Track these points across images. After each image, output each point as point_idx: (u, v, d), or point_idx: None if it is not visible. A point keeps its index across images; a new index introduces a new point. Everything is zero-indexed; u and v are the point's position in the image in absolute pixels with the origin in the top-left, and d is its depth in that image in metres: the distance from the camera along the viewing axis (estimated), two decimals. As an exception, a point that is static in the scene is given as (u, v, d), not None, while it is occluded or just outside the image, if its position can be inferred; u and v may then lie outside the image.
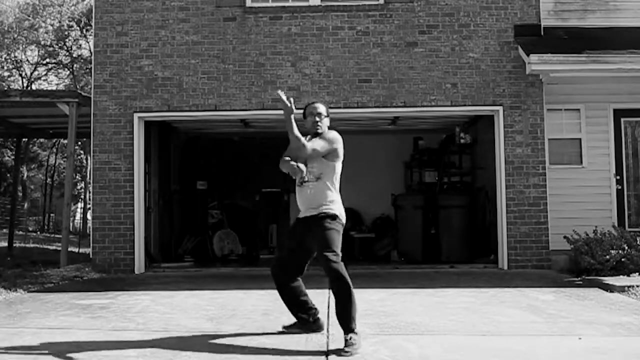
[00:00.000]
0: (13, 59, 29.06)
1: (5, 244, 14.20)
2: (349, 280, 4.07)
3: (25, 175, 29.44)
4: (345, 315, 4.09)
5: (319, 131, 4.48)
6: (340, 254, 4.20)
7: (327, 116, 4.57)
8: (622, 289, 6.49)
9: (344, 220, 4.39)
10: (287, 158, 4.36)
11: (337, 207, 4.38)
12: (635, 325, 4.87)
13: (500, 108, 8.96)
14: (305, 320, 4.51)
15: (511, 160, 8.89)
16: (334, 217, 4.32)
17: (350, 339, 4.01)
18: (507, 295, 6.37)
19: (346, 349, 3.94)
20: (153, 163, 10.24)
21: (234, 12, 9.18)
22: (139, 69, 9.14)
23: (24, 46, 28.51)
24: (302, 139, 4.27)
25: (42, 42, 28.06)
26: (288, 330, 4.56)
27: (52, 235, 23.40)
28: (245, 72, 9.09)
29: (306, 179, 4.41)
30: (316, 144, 4.36)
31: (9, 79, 29.44)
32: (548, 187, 8.86)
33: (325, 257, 4.12)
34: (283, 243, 4.58)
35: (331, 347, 4.18)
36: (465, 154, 11.32)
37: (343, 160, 4.52)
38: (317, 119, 4.48)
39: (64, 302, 6.19)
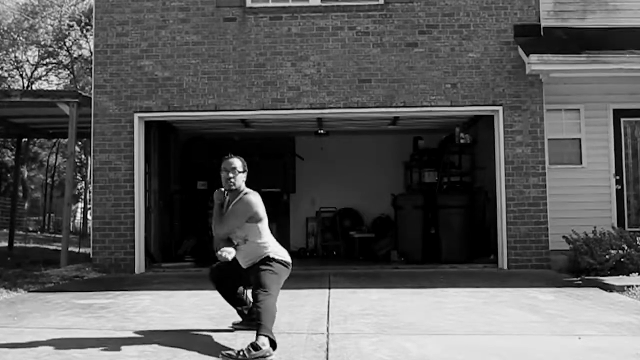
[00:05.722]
0: (13, 60, 29.05)
1: (6, 244, 14.22)
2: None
3: (26, 175, 29.45)
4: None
5: (233, 188, 4.47)
6: (273, 290, 4.26)
7: (244, 171, 4.54)
8: (621, 289, 6.50)
9: (280, 258, 4.48)
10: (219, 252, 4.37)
11: (275, 254, 4.48)
12: (635, 325, 4.88)
13: (500, 108, 8.98)
14: (243, 313, 4.74)
15: (511, 160, 8.90)
16: (272, 259, 4.43)
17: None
18: (506, 295, 6.38)
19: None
20: (153, 163, 10.26)
21: (234, 12, 9.19)
22: (139, 69, 9.15)
23: (24, 47, 28.50)
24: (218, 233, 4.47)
25: (42, 43, 28.06)
26: (235, 326, 4.79)
27: (53, 235, 23.39)
28: (245, 72, 9.10)
29: (236, 243, 4.49)
30: (224, 227, 4.44)
31: (9, 79, 29.43)
32: (548, 187, 8.87)
33: (256, 293, 4.21)
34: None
35: (331, 347, 4.20)
36: (465, 154, 11.33)
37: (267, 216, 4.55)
38: (231, 174, 4.45)
39: (64, 302, 6.20)
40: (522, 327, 4.87)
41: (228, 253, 4.34)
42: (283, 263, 4.49)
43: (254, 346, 3.87)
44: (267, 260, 4.43)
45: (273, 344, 3.96)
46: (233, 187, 4.48)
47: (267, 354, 3.87)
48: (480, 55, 9.04)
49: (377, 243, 11.50)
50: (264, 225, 4.53)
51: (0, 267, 9.05)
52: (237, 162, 4.52)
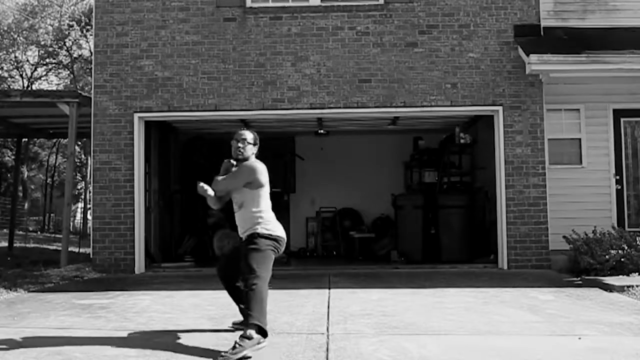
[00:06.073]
0: (13, 60, 29.05)
1: (6, 244, 14.21)
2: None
3: (26, 175, 29.44)
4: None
5: (240, 157, 4.57)
6: (260, 270, 4.20)
7: (254, 144, 4.64)
8: (621, 289, 6.50)
9: (267, 232, 4.41)
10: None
11: (263, 227, 4.42)
12: (635, 325, 4.87)
13: (500, 108, 8.97)
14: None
15: (511, 160, 8.90)
16: (257, 235, 4.38)
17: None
18: (507, 295, 6.38)
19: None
20: (153, 163, 10.25)
21: (234, 12, 9.19)
22: (139, 69, 9.15)
23: (24, 47, 28.50)
24: (216, 187, 4.63)
25: (42, 43, 28.05)
26: (235, 326, 4.78)
27: (53, 235, 23.40)
28: (245, 72, 9.10)
29: (235, 208, 4.61)
30: (222, 185, 4.60)
31: (9, 79, 29.42)
32: (548, 187, 8.87)
33: (243, 279, 4.22)
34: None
35: (331, 347, 4.20)
36: (465, 154, 11.33)
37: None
38: (240, 144, 4.56)
39: (64, 302, 6.20)
40: (522, 327, 4.86)
41: (207, 187, 4.53)
42: (271, 237, 4.40)
43: (245, 336, 3.91)
44: (253, 238, 4.36)
45: (263, 332, 3.98)
46: (241, 157, 4.55)
47: (260, 341, 3.93)
48: (480, 55, 9.04)
49: (377, 243, 11.49)
50: (262, 194, 4.51)
51: (0, 267, 9.05)
52: (248, 134, 4.61)
